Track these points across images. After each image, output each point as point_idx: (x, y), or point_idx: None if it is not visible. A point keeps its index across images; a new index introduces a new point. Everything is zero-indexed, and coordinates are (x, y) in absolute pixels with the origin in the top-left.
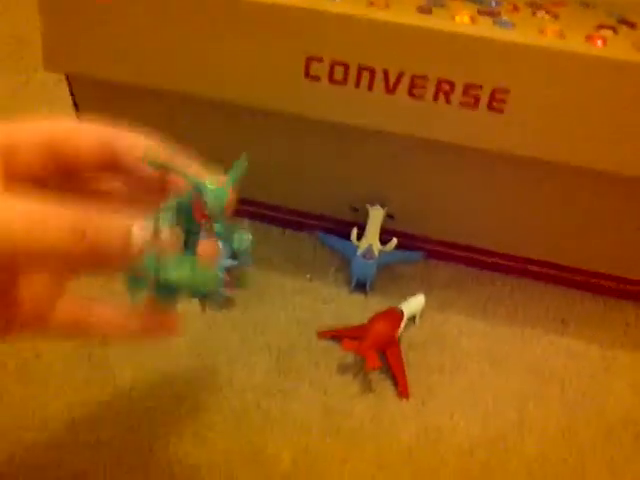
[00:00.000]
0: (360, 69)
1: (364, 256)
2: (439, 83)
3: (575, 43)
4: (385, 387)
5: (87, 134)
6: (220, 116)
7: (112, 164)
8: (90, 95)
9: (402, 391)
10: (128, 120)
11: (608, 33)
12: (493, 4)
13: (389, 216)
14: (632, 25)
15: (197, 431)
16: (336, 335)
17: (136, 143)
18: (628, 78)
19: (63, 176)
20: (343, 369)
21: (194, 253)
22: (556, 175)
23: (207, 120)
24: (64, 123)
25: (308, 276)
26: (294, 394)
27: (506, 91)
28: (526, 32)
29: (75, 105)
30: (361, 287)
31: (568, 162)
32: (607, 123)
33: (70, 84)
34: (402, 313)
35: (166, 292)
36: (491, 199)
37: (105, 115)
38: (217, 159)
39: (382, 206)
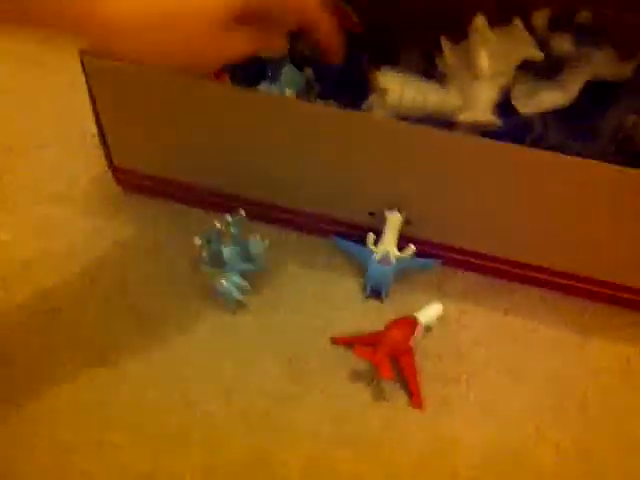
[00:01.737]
0: None
1: (380, 262)
2: None
3: None
4: (398, 396)
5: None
6: (238, 108)
7: None
8: (109, 91)
9: (415, 401)
10: (146, 117)
11: None
12: None
13: (407, 222)
14: None
15: (206, 436)
16: (350, 342)
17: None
18: None
19: None
20: (356, 377)
21: None
22: (579, 183)
23: (223, 117)
24: None
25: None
26: (305, 401)
27: None
28: None
29: (93, 102)
30: (376, 294)
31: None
32: None
33: (87, 79)
34: (417, 321)
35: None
36: (511, 207)
37: (124, 114)
38: (234, 156)
39: (400, 211)
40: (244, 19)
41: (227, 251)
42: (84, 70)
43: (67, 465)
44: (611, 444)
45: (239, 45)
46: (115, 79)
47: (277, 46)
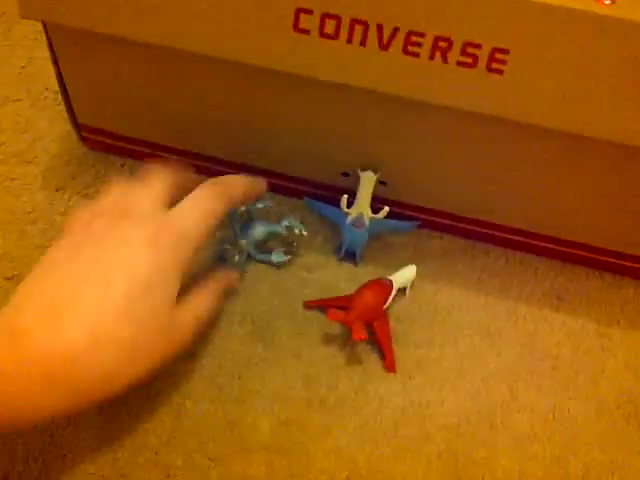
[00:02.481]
0: (353, 23)
1: (354, 224)
2: (436, 40)
3: (581, 1)
4: (371, 360)
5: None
6: (204, 71)
7: None
8: (69, 47)
9: (388, 365)
10: (109, 74)
11: None
12: None
13: (381, 182)
14: None
15: (174, 399)
16: (322, 305)
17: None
18: (636, 39)
19: None
20: (328, 340)
21: None
22: (557, 143)
23: (191, 75)
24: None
25: (294, 243)
26: (276, 364)
27: (506, 51)
28: None
29: (54, 60)
30: (350, 256)
31: (570, 130)
32: (612, 89)
33: (48, 35)
34: (391, 284)
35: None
36: (488, 168)
37: (85, 69)
38: (201, 114)
39: (374, 172)
40: None
41: (259, 230)
42: (44, 26)
43: None
44: (585, 406)
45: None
46: (79, 36)
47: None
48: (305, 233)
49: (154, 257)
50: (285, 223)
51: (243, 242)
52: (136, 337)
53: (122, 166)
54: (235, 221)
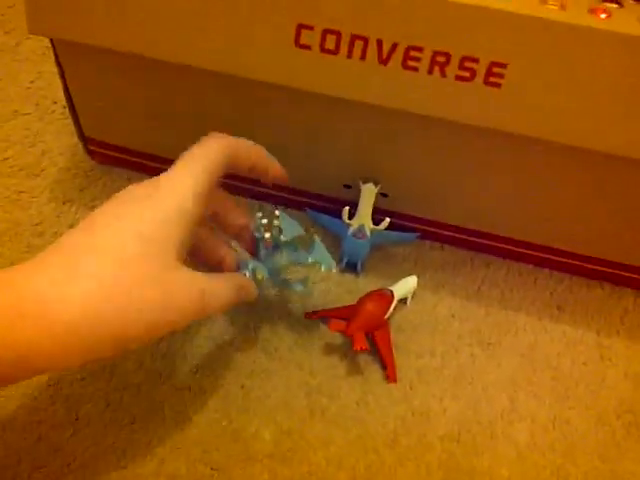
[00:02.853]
0: (353, 38)
1: (355, 235)
2: (434, 55)
3: (577, 15)
4: (373, 370)
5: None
6: (207, 85)
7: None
8: (77, 62)
9: (390, 375)
10: (116, 88)
11: (612, 6)
12: None
13: (382, 194)
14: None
15: (178, 409)
16: (324, 315)
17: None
18: (632, 53)
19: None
20: (330, 350)
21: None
22: (555, 156)
23: (195, 90)
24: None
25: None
26: (278, 375)
27: (504, 65)
28: (526, 2)
29: (62, 75)
30: (352, 267)
31: (568, 142)
32: (609, 101)
33: (55, 50)
34: (392, 294)
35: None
36: (488, 180)
37: (92, 84)
38: (205, 128)
39: (375, 184)
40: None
41: (284, 255)
42: (52, 41)
43: None
44: (585, 416)
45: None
46: (85, 52)
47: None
48: (334, 270)
49: (149, 205)
50: (310, 259)
51: (260, 266)
52: (114, 277)
53: (129, 179)
54: (261, 245)
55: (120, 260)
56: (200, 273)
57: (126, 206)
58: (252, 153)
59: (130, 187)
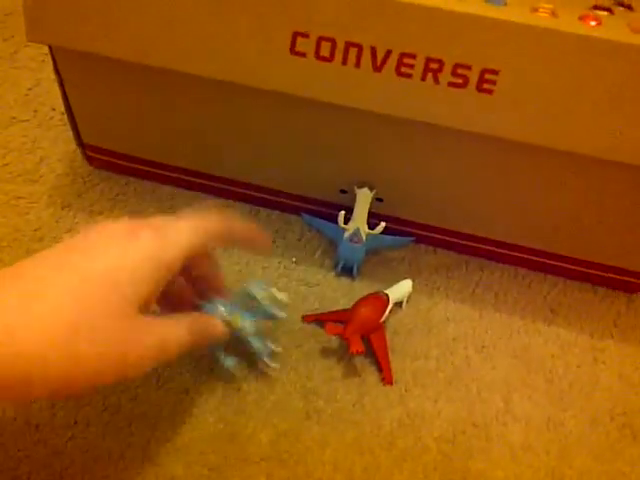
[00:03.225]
0: (347, 45)
1: (351, 240)
2: (427, 62)
3: (568, 23)
4: (369, 372)
5: (208, 257)
6: (203, 92)
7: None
8: (75, 69)
9: (385, 377)
10: (113, 95)
11: (603, 14)
12: None
13: (378, 199)
14: (629, 7)
15: (176, 412)
16: (320, 319)
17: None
18: (622, 60)
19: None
20: (326, 353)
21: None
22: (547, 161)
23: (191, 96)
24: (197, 247)
25: (294, 259)
26: (275, 377)
27: (496, 72)
28: (518, 10)
29: (60, 82)
30: (348, 271)
31: (559, 147)
32: (600, 107)
33: (54, 58)
34: (388, 298)
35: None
36: (481, 184)
37: (90, 91)
38: (202, 133)
39: (370, 189)
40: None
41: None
42: (50, 49)
43: None
44: (579, 418)
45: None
46: (84, 59)
47: (219, 332)
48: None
49: (126, 251)
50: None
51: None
52: (77, 322)
53: (126, 184)
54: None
55: (86, 306)
56: (161, 321)
57: (106, 248)
58: (245, 231)
59: (113, 225)
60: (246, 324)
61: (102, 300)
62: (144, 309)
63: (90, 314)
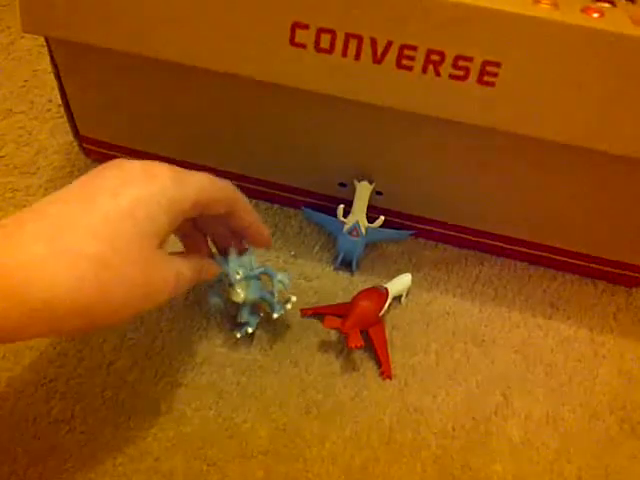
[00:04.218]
0: (347, 37)
1: (350, 233)
2: (428, 54)
3: (570, 14)
4: (368, 367)
5: (222, 202)
6: (202, 84)
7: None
8: (71, 61)
9: (384, 371)
10: (110, 87)
11: (605, 6)
12: None
13: (377, 193)
14: None
15: (174, 406)
16: (319, 312)
17: (245, 209)
18: (624, 52)
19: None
20: (325, 347)
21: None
22: (548, 154)
23: (189, 88)
24: (210, 190)
25: (292, 253)
26: (273, 371)
27: (497, 64)
28: (520, 1)
29: (57, 74)
30: (347, 265)
31: (560, 140)
32: (602, 99)
33: (50, 49)
34: (387, 292)
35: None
36: (481, 178)
37: (87, 82)
38: (200, 126)
39: (370, 182)
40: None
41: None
42: (47, 40)
43: None
44: (579, 412)
45: (188, 271)
46: (80, 50)
47: (213, 272)
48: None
49: (145, 188)
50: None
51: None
52: (105, 257)
53: None
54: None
55: (112, 241)
56: (174, 256)
57: (125, 185)
58: (251, 212)
59: (129, 164)
60: (242, 294)
61: (124, 237)
62: (160, 244)
63: (115, 251)
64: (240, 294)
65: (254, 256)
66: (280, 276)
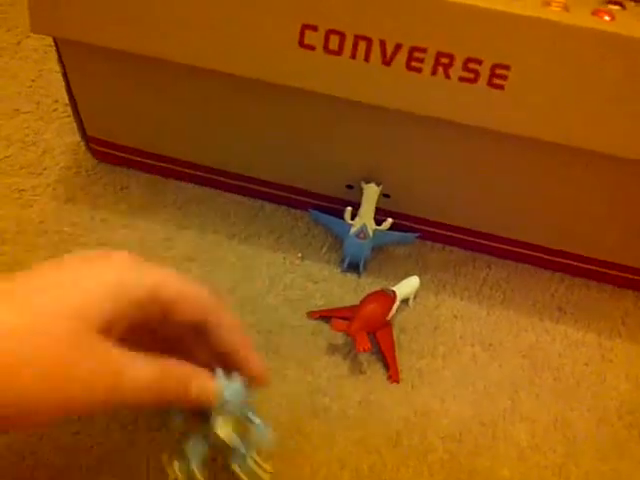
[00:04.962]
0: (356, 39)
1: (357, 235)
2: (438, 56)
3: (580, 17)
4: (375, 370)
5: (190, 303)
6: (210, 85)
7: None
8: (79, 61)
9: (392, 375)
10: (118, 87)
11: (615, 8)
12: None
13: (385, 195)
14: None
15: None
16: (326, 315)
17: (226, 324)
18: (636, 55)
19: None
20: (333, 350)
21: None
22: (558, 157)
23: (197, 89)
24: (174, 285)
25: (300, 255)
26: (281, 374)
27: (507, 66)
28: (530, 4)
29: (64, 74)
30: (354, 267)
31: (570, 143)
32: (612, 103)
33: (58, 49)
34: (395, 295)
35: None
36: (490, 181)
37: (94, 83)
38: (208, 127)
39: (378, 184)
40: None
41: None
42: (54, 40)
43: None
44: (586, 416)
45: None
46: (88, 51)
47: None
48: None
49: (93, 267)
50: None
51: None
52: (17, 326)
53: (130, 178)
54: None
55: (35, 312)
56: (125, 351)
57: (75, 260)
58: (236, 332)
59: (93, 250)
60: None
61: (49, 330)
62: (104, 332)
63: (35, 345)
64: (223, 428)
65: (245, 388)
66: (260, 423)
